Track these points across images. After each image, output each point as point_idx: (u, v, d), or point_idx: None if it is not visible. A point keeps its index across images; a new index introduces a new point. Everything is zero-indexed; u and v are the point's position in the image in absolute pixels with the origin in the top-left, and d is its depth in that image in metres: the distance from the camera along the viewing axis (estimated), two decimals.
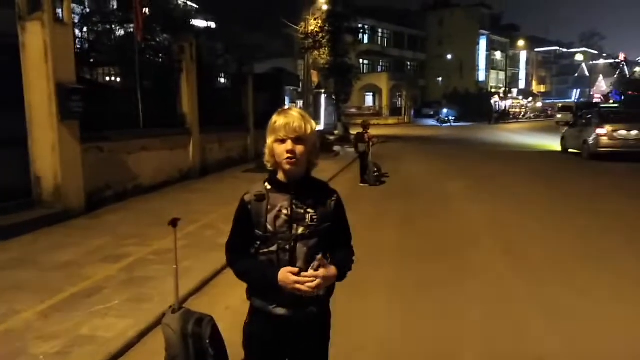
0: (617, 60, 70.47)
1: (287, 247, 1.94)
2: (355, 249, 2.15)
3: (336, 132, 27.30)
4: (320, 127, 27.42)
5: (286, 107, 2.04)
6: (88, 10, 11.87)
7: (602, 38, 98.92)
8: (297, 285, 1.85)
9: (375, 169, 11.86)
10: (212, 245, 6.05)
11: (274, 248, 1.95)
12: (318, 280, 1.85)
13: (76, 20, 11.14)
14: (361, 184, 11.78)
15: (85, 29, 11.56)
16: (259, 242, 1.98)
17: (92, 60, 10.33)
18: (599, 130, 16.27)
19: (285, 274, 1.87)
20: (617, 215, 8.53)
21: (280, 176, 1.98)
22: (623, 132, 15.97)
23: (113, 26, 12.30)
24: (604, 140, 16.09)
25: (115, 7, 12.82)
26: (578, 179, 13.10)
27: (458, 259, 6.06)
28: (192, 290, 4.78)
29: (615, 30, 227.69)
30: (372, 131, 12.66)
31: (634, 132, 15.88)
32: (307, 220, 1.95)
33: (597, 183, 12.34)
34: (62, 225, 7.11)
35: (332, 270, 1.92)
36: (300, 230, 1.95)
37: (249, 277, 2.02)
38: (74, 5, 11.53)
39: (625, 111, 20.36)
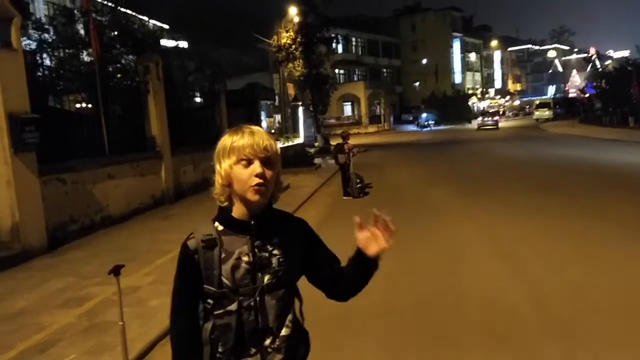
0: (588, 55, 71.67)
1: (252, 303, 1.49)
2: None
3: (316, 144, 26.96)
4: (300, 139, 27.02)
5: (242, 126, 1.52)
6: (50, 36, 11.34)
7: (572, 34, 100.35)
8: None
9: (358, 180, 11.44)
10: None
11: (233, 307, 1.49)
12: None
13: (34, 47, 10.66)
14: (344, 197, 11.34)
15: (46, 56, 11.04)
16: (211, 301, 1.51)
17: (59, 88, 9.81)
18: (480, 118, 45.63)
19: None
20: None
21: (237, 212, 1.52)
22: (486, 119, 44.37)
23: (79, 52, 11.81)
24: (482, 122, 43.81)
25: (82, 32, 12.31)
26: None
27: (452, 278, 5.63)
28: (160, 334, 4.25)
29: (584, 24, 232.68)
30: (353, 141, 12.30)
31: (491, 119, 44.16)
32: (273, 265, 1.51)
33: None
34: (22, 267, 6.53)
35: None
36: (266, 279, 1.51)
37: None
38: (32, 31, 11.13)
39: (489, 111, 51.42)
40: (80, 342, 4.15)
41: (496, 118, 45.28)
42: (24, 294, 5.46)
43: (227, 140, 1.49)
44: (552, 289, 4.97)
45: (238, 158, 1.46)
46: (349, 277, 1.59)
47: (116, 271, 2.37)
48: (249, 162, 1.46)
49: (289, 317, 1.56)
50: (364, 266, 1.55)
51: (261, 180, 1.45)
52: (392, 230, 1.51)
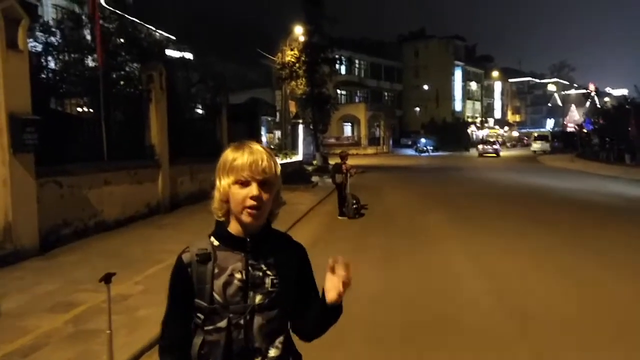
0: (588, 91, 72.57)
1: (242, 321, 1.47)
2: None
3: (314, 162, 27.00)
4: (299, 157, 27.06)
5: (245, 141, 1.54)
6: (56, 39, 11.41)
7: (572, 69, 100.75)
8: None
9: (354, 201, 11.43)
10: None
11: (222, 324, 1.47)
12: None
13: (40, 49, 10.71)
14: (340, 217, 11.32)
15: (51, 58, 11.09)
16: (202, 316, 1.50)
17: (61, 91, 9.83)
18: (480, 146, 48.16)
19: None
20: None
21: (233, 228, 1.52)
22: (487, 147, 46.84)
23: (84, 57, 11.89)
24: (483, 150, 46.33)
25: (88, 37, 12.41)
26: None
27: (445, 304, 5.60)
28: (147, 345, 4.20)
29: (584, 61, 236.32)
30: (351, 161, 12.32)
31: (491, 147, 46.68)
32: (266, 285, 1.50)
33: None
34: (12, 268, 6.45)
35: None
36: (258, 299, 1.49)
37: None
38: (39, 33, 11.19)
39: (488, 140, 53.21)
40: (65, 348, 4.09)
41: (496, 146, 47.05)
42: (12, 295, 5.40)
43: (228, 156, 1.50)
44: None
45: (236, 178, 1.47)
46: (313, 317, 1.56)
47: (107, 279, 2.35)
48: (247, 184, 1.46)
49: (280, 338, 1.54)
50: (326, 310, 1.51)
51: (255, 203, 1.44)
52: (347, 276, 1.44)
